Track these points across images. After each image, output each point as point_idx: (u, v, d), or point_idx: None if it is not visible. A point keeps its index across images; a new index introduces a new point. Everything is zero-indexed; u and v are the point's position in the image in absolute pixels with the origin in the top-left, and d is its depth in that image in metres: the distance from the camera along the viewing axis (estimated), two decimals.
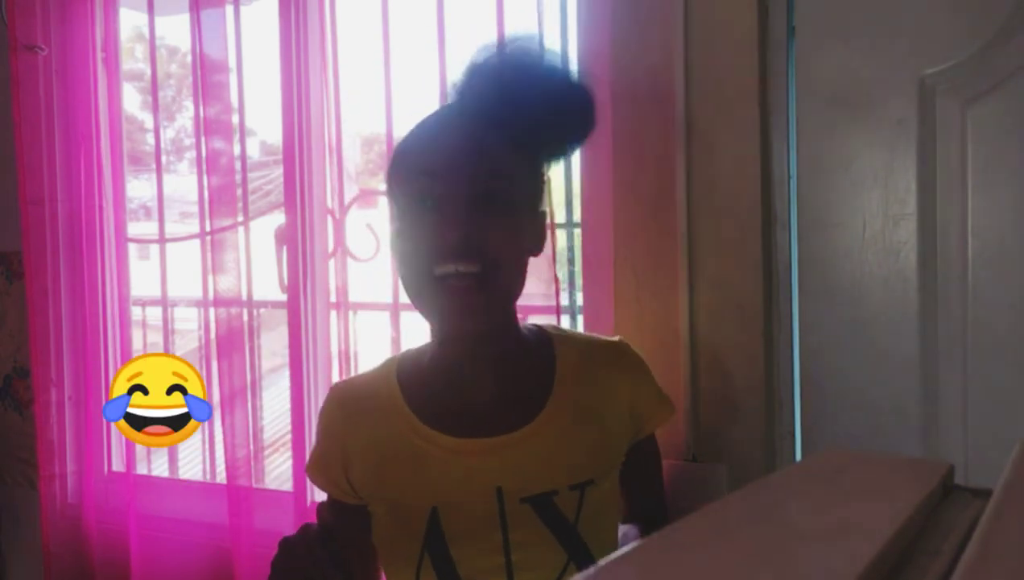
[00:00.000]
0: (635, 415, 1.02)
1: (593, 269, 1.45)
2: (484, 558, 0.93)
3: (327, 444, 1.02)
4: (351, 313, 1.70)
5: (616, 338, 1.09)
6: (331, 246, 1.74)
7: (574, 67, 0.98)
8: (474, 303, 0.89)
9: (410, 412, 0.97)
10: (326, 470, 1.02)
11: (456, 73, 0.96)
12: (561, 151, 0.99)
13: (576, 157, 1.48)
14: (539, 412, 0.95)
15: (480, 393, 0.96)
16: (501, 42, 0.97)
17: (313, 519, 1.09)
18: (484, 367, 0.96)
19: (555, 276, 1.48)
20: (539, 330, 1.03)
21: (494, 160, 0.90)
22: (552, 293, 1.48)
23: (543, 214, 1.00)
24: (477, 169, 0.89)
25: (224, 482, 1.74)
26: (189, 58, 1.81)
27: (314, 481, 1.04)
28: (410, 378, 1.00)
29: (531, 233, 0.96)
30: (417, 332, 1.54)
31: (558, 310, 1.49)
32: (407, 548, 0.94)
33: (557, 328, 1.07)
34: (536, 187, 0.97)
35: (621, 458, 1.03)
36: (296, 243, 1.72)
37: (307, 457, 1.09)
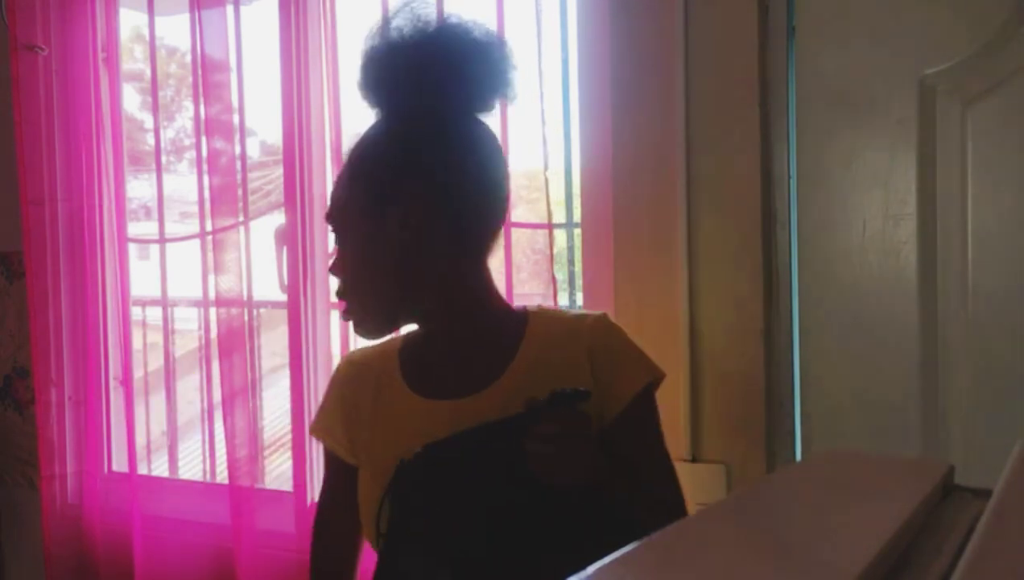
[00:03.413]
0: (599, 379, 1.00)
1: (593, 269, 1.45)
2: None
3: (333, 402, 1.09)
4: None
5: (597, 313, 1.08)
6: (331, 246, 1.73)
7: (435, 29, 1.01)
8: (355, 330, 1.06)
9: (401, 378, 1.04)
10: (329, 425, 1.08)
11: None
12: (473, 101, 1.02)
13: (576, 157, 1.48)
14: (499, 377, 1.00)
15: (447, 363, 1.03)
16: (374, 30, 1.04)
17: (312, 519, 1.11)
18: (451, 343, 1.03)
19: (552, 276, 1.48)
20: (522, 311, 1.07)
21: (337, 192, 1.04)
22: (550, 293, 1.48)
23: (397, 199, 0.98)
24: (327, 218, 1.06)
25: (225, 482, 1.74)
26: (189, 58, 1.81)
27: (316, 435, 1.11)
28: (408, 350, 1.08)
29: (377, 231, 0.99)
30: None
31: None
32: (375, 500, 0.99)
33: (541, 307, 1.09)
34: (375, 185, 1.00)
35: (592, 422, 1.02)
36: (296, 243, 1.72)
37: (306, 459, 1.12)
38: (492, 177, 1.03)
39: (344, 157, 1.06)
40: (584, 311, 1.10)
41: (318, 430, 1.10)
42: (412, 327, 1.07)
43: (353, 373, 1.09)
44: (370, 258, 1.00)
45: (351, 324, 1.04)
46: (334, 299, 1.72)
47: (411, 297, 1.01)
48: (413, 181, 0.98)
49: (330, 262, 1.06)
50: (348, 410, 1.06)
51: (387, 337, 1.09)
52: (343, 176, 1.04)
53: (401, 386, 1.03)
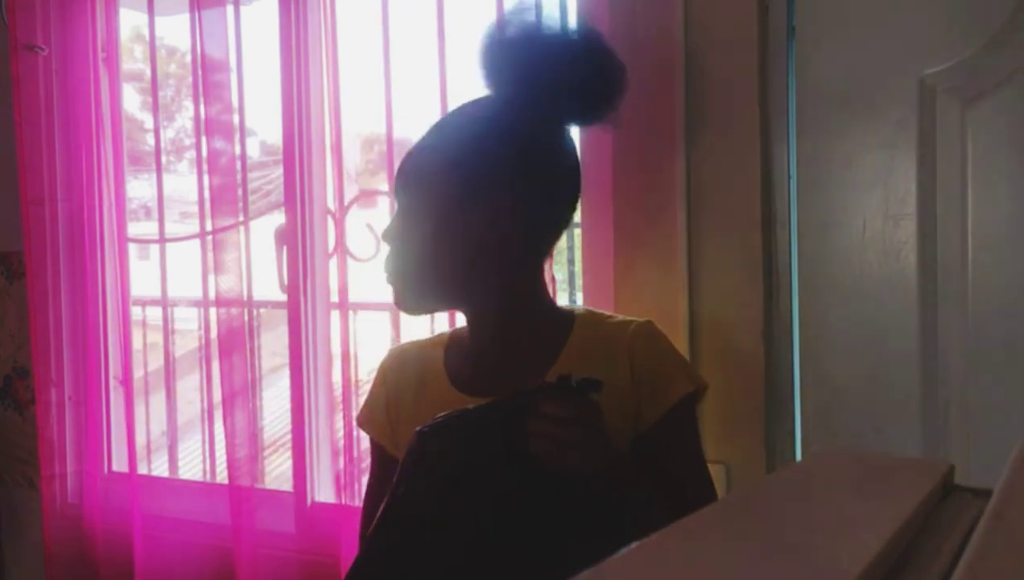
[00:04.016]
0: (640, 387, 1.00)
1: (593, 269, 1.45)
2: None
3: (380, 394, 1.10)
4: (351, 313, 1.70)
5: (642, 319, 1.07)
6: (331, 246, 1.74)
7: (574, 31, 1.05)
8: (394, 302, 1.04)
9: (444, 373, 1.05)
10: (374, 416, 1.09)
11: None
12: (578, 116, 1.04)
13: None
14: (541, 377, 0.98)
15: (492, 361, 1.04)
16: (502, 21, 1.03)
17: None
18: (498, 341, 1.03)
19: (552, 276, 1.48)
20: (569, 312, 1.07)
21: (415, 162, 1.01)
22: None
23: (494, 198, 0.97)
24: (400, 172, 1.02)
25: (225, 482, 1.74)
26: (189, 58, 1.81)
27: (363, 428, 1.12)
28: (455, 346, 1.08)
29: (464, 234, 0.98)
30: (417, 332, 1.55)
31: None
32: None
33: (589, 310, 1.10)
34: (476, 175, 0.97)
35: (626, 426, 1.01)
36: (296, 243, 1.72)
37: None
38: (578, 189, 1.04)
39: (432, 128, 1.03)
40: (631, 317, 1.09)
41: (364, 421, 1.12)
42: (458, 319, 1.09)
43: (398, 366, 1.10)
44: (444, 245, 0.98)
45: (392, 294, 1.04)
46: (336, 298, 1.73)
47: (471, 291, 1.01)
48: (515, 182, 0.97)
49: (383, 228, 1.04)
50: (391, 402, 1.08)
51: (430, 333, 1.13)
52: (433, 145, 1.00)
53: (444, 381, 1.04)
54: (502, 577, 0.90)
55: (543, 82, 0.96)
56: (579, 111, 1.01)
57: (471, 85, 1.58)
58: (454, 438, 0.93)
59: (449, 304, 1.06)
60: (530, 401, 0.88)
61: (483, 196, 0.97)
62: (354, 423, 1.51)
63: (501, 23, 1.03)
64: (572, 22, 1.01)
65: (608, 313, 1.13)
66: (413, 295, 1.03)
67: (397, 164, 1.05)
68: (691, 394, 1.02)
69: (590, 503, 0.90)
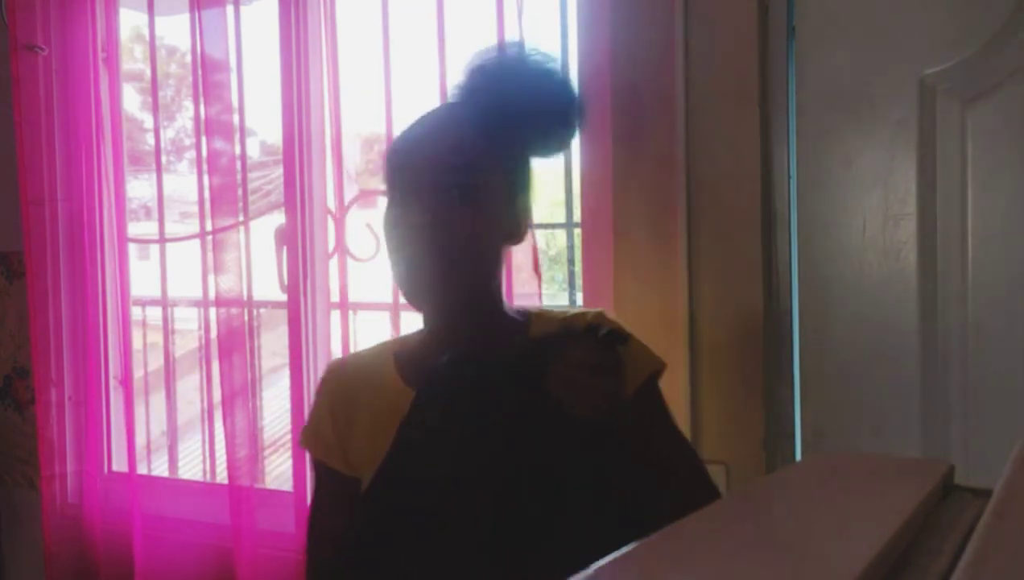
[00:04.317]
0: None
1: (593, 269, 1.45)
2: None
3: (323, 410, 1.05)
4: (351, 313, 1.70)
5: (595, 310, 1.08)
6: (331, 246, 1.74)
7: (566, 71, 1.01)
8: (434, 290, 0.97)
9: (400, 380, 1.01)
10: (320, 434, 1.04)
11: (458, 73, 1.02)
12: (549, 149, 1.03)
13: (576, 157, 1.49)
14: None
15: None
16: (501, 45, 1.01)
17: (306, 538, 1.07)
18: (458, 340, 0.99)
19: (538, 273, 1.48)
20: (524, 312, 1.07)
21: (465, 153, 0.96)
22: (535, 291, 1.47)
23: (525, 207, 1.03)
24: (446, 160, 0.96)
25: (225, 482, 1.74)
26: (189, 58, 1.81)
27: (307, 446, 1.06)
28: (405, 351, 1.05)
29: (506, 222, 0.99)
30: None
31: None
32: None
33: (540, 308, 1.10)
34: (515, 180, 1.00)
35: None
36: (296, 243, 1.72)
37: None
38: None
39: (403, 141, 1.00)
40: (583, 309, 1.11)
41: (308, 441, 1.05)
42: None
43: (343, 379, 1.05)
44: (492, 233, 0.98)
45: (429, 284, 0.96)
46: (336, 298, 1.73)
47: (490, 287, 1.00)
48: (530, 186, 1.01)
49: (432, 216, 0.94)
50: (338, 417, 1.02)
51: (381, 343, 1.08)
52: (472, 139, 0.96)
53: (401, 387, 1.01)
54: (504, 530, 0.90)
55: (520, 116, 0.98)
56: (537, 147, 1.03)
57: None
58: (467, 374, 0.94)
59: (476, 299, 0.99)
60: (555, 345, 0.89)
61: (519, 193, 1.01)
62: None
63: (488, 49, 1.03)
64: (551, 59, 1.00)
65: (559, 309, 1.15)
66: (470, 285, 0.98)
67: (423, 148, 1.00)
68: (652, 374, 1.02)
69: (594, 447, 0.91)
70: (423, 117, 1.02)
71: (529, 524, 0.89)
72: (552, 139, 1.01)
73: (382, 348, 1.08)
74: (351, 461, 1.01)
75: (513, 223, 1.00)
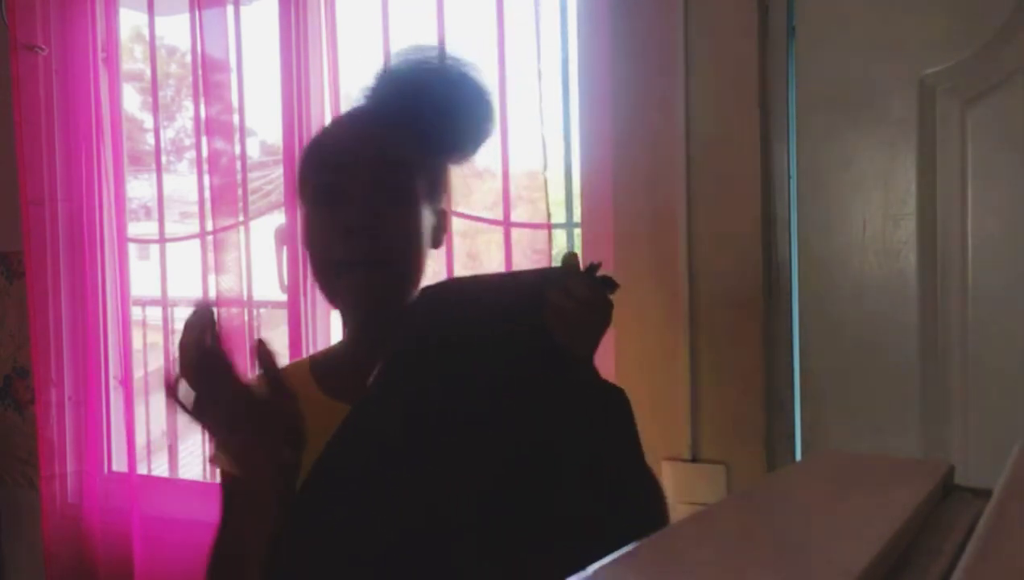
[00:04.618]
0: None
1: None
2: None
3: None
4: None
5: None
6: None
7: (477, 74, 0.99)
8: (368, 291, 0.93)
9: (320, 392, 0.98)
10: None
11: (368, 77, 1.01)
12: (459, 152, 1.02)
13: (576, 157, 1.49)
14: None
15: (369, 368, 0.95)
16: (411, 49, 1.00)
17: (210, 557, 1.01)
18: (373, 348, 0.96)
19: None
20: None
21: (393, 154, 0.95)
22: None
23: (443, 212, 1.02)
24: (375, 161, 0.94)
25: None
26: (189, 58, 1.81)
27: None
28: (322, 366, 1.02)
29: (429, 227, 0.98)
30: None
31: None
32: None
33: None
34: (435, 185, 0.99)
35: None
36: (296, 243, 1.72)
37: None
38: None
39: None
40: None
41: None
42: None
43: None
44: (420, 237, 0.96)
45: (362, 292, 0.93)
46: None
47: (416, 287, 0.98)
48: (445, 186, 1.01)
49: (364, 217, 0.91)
50: None
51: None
52: (398, 141, 0.95)
53: (322, 399, 0.98)
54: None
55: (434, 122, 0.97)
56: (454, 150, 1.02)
57: None
58: (465, 295, 0.93)
59: (408, 298, 0.97)
60: (551, 277, 0.90)
61: (441, 192, 1.00)
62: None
63: (405, 54, 1.01)
64: (466, 65, 0.99)
65: None
66: (412, 279, 0.96)
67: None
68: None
69: (578, 378, 0.90)
70: (342, 118, 1.02)
71: (475, 541, 0.85)
72: (467, 141, 1.00)
73: (292, 365, 1.04)
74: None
75: (437, 227, 1.00)
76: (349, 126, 0.99)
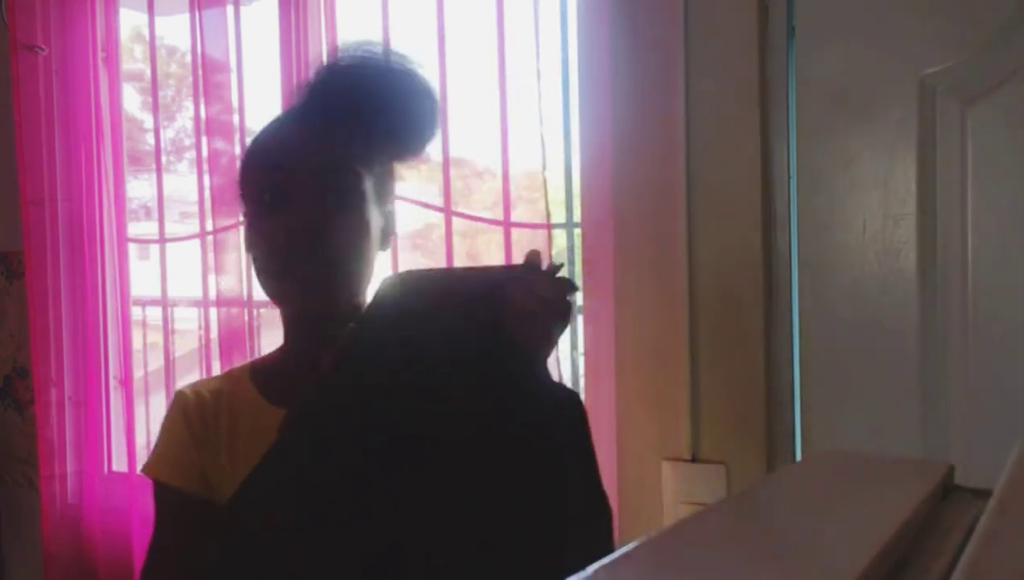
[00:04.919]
0: None
1: (593, 269, 1.45)
2: None
3: (181, 434, 0.96)
4: None
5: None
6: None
7: (420, 71, 0.97)
8: (314, 294, 0.91)
9: (262, 399, 0.96)
10: (180, 460, 0.95)
11: (308, 74, 0.98)
12: (404, 150, 0.99)
13: (576, 157, 1.49)
14: None
15: (308, 374, 0.92)
16: (349, 46, 0.98)
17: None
18: (313, 353, 0.92)
19: None
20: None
21: (337, 155, 0.93)
22: None
23: (391, 212, 1.01)
24: (320, 163, 0.92)
25: None
26: (189, 58, 1.81)
27: (162, 476, 0.95)
28: (263, 372, 1.00)
29: (377, 228, 0.96)
30: None
31: None
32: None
33: None
34: (381, 185, 0.97)
35: None
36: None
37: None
38: None
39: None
40: None
41: (163, 469, 0.95)
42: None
43: (200, 402, 0.97)
44: (369, 238, 0.94)
45: (311, 294, 0.91)
46: None
47: (363, 291, 0.96)
48: (391, 188, 0.99)
49: (309, 220, 0.89)
50: (200, 440, 0.95)
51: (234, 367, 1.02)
52: (343, 141, 0.93)
53: (264, 406, 0.95)
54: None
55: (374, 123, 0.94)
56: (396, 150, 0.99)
57: (470, 84, 1.59)
58: (429, 285, 0.90)
59: (352, 307, 0.94)
60: (511, 274, 0.87)
61: (388, 193, 0.98)
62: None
63: (344, 53, 0.98)
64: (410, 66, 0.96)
65: None
66: (359, 281, 0.94)
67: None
68: None
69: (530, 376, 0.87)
70: (284, 117, 0.99)
71: (421, 553, 0.83)
72: (412, 140, 0.97)
73: (231, 373, 1.02)
74: (220, 489, 0.93)
75: (385, 229, 0.98)
76: (292, 125, 0.96)
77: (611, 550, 0.91)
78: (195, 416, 0.96)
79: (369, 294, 0.93)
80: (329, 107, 0.94)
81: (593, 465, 0.90)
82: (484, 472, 0.84)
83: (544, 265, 0.87)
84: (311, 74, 0.97)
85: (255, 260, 0.96)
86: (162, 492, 0.96)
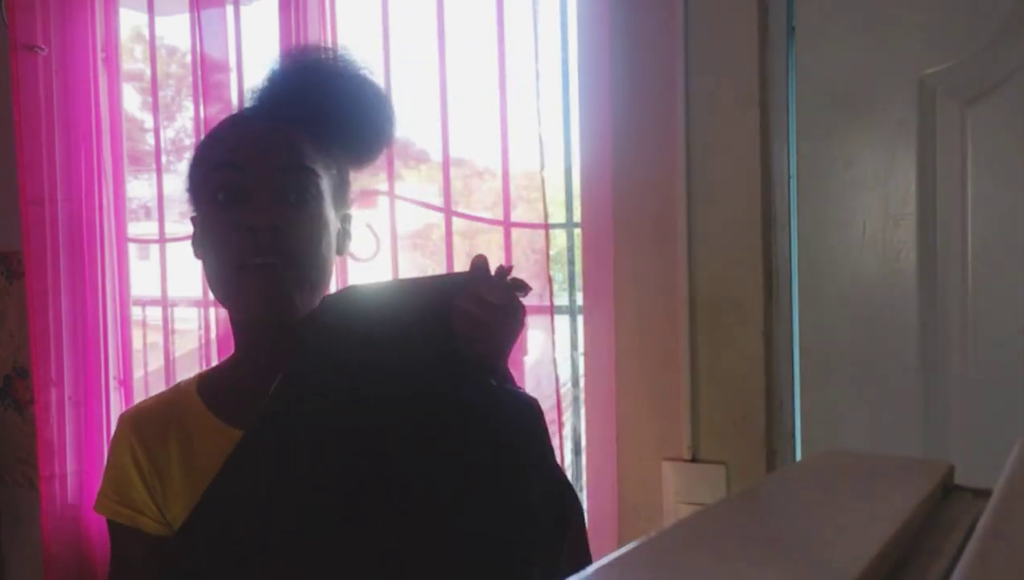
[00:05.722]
0: None
1: (593, 269, 1.45)
2: None
3: (127, 468, 0.92)
4: None
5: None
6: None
7: (372, 76, 0.97)
8: (273, 292, 0.88)
9: (213, 417, 0.93)
10: (130, 496, 0.92)
11: (259, 79, 0.98)
12: (359, 155, 0.99)
13: (576, 157, 1.48)
14: None
15: (260, 388, 0.91)
16: (302, 49, 0.98)
17: None
18: (283, 358, 0.92)
19: (549, 277, 1.48)
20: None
21: (296, 153, 0.91)
22: (547, 293, 1.47)
23: (348, 216, 0.99)
24: (279, 161, 0.90)
25: None
26: (189, 58, 1.81)
27: (113, 514, 0.92)
28: (211, 386, 0.96)
29: (333, 233, 0.95)
30: None
31: (551, 310, 1.48)
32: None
33: None
34: (338, 189, 0.96)
35: None
36: None
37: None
38: None
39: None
40: None
41: (113, 507, 0.91)
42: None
43: (142, 429, 0.93)
44: (326, 240, 0.92)
45: (267, 294, 0.88)
46: None
47: (320, 295, 0.94)
48: (347, 192, 0.98)
49: (269, 217, 0.87)
50: (148, 472, 0.91)
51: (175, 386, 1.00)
52: (298, 142, 0.91)
53: (215, 424, 0.92)
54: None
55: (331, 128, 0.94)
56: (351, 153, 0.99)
57: (470, 84, 1.59)
58: (366, 305, 0.90)
59: (309, 304, 0.91)
60: (458, 282, 0.87)
61: (345, 197, 0.97)
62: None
63: (300, 56, 0.98)
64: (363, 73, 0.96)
65: None
66: (317, 282, 0.92)
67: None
68: None
69: (481, 386, 0.87)
70: (237, 118, 0.98)
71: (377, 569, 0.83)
72: (367, 145, 0.97)
73: (176, 390, 0.98)
74: (169, 512, 0.90)
75: (342, 233, 0.97)
76: (245, 126, 0.94)
77: (583, 538, 0.92)
78: (139, 445, 0.92)
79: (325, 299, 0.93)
80: (281, 109, 0.93)
81: (551, 471, 0.90)
82: (434, 487, 0.84)
83: (492, 269, 0.86)
84: (264, 78, 0.96)
85: (207, 263, 0.93)
86: (112, 528, 0.93)
